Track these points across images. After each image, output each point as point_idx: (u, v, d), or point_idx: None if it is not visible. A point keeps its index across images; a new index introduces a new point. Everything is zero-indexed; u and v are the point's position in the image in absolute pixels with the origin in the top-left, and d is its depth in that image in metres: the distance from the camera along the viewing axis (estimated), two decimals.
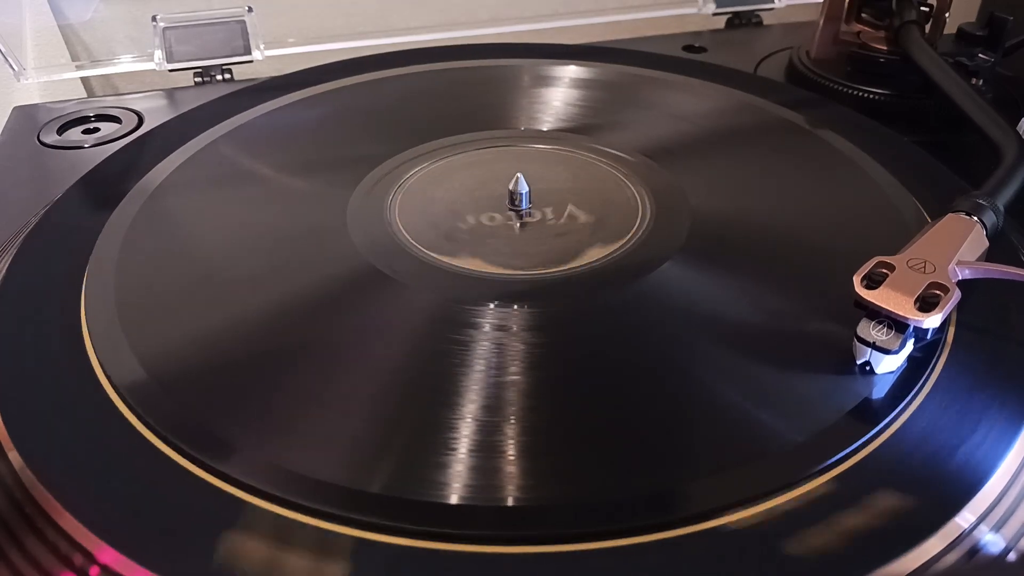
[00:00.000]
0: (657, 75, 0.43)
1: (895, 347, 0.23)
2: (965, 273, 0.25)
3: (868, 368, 0.24)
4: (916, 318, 0.23)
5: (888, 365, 0.24)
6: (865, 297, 0.24)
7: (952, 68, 0.38)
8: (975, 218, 0.27)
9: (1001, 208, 0.28)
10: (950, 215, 0.27)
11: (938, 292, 0.24)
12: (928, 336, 0.24)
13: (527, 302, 0.27)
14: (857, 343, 0.24)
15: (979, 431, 0.22)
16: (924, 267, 0.24)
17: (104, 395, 0.23)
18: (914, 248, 0.25)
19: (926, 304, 0.23)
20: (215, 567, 0.19)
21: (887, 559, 0.19)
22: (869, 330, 0.24)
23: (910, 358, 0.24)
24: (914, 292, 0.23)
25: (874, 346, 0.23)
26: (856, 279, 0.24)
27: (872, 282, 0.24)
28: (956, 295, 0.23)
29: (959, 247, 0.26)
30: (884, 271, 0.24)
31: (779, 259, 0.29)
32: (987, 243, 0.27)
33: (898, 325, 0.23)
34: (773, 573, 0.19)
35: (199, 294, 0.27)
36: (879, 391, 0.23)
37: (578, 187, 0.33)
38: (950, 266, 0.25)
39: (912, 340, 0.24)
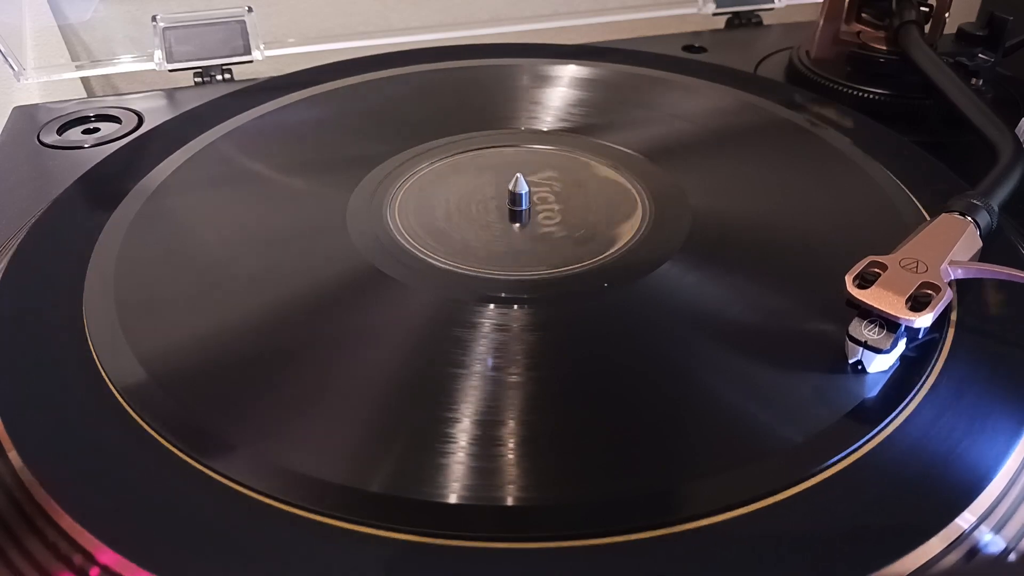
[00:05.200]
0: (657, 75, 0.43)
1: (886, 346, 0.23)
2: (958, 273, 0.25)
3: (860, 367, 0.24)
4: (907, 317, 0.23)
5: (880, 364, 0.24)
6: (857, 296, 0.24)
7: (951, 68, 0.38)
8: (969, 218, 0.27)
9: (995, 208, 0.28)
10: (944, 215, 0.28)
11: (930, 292, 0.24)
12: (920, 335, 0.24)
13: (527, 302, 0.27)
14: (849, 342, 0.24)
15: (979, 432, 0.22)
16: (916, 267, 0.24)
17: (104, 395, 0.23)
18: (907, 248, 0.26)
19: (917, 304, 0.23)
20: (215, 567, 0.19)
21: (887, 560, 0.19)
22: (861, 329, 0.24)
23: (909, 358, 0.24)
24: (906, 291, 0.24)
25: (866, 345, 0.23)
26: (848, 278, 0.24)
27: (864, 281, 0.24)
28: (948, 295, 0.24)
29: (952, 247, 0.26)
30: (876, 270, 0.24)
31: (779, 259, 0.29)
32: (980, 243, 0.27)
33: (889, 324, 0.23)
34: (772, 574, 0.19)
35: (199, 294, 0.27)
36: (879, 392, 0.23)
37: (578, 187, 0.33)
38: (942, 266, 0.25)
39: (904, 340, 0.24)
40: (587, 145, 0.36)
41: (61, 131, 0.42)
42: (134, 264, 0.29)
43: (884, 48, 0.43)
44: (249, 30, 0.49)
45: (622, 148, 0.36)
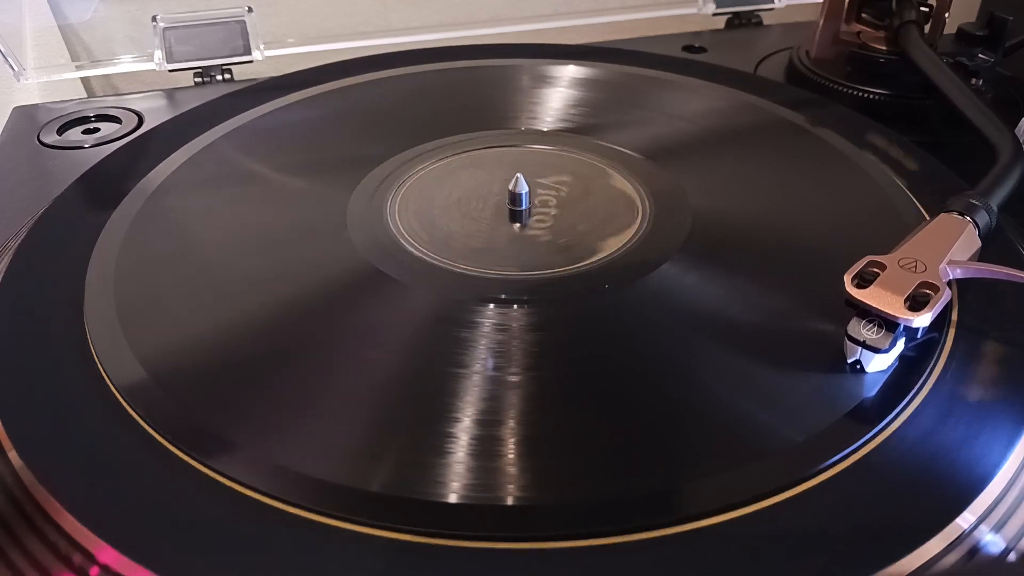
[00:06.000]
0: (657, 75, 0.43)
1: (885, 346, 0.23)
2: (956, 273, 0.25)
3: (859, 367, 0.24)
4: (906, 317, 0.23)
5: (878, 364, 0.24)
6: (855, 296, 0.24)
7: (951, 68, 0.38)
8: (968, 218, 0.27)
9: (995, 208, 0.28)
10: (943, 215, 0.28)
11: (928, 291, 0.24)
12: (919, 335, 0.24)
13: (527, 302, 0.27)
14: (848, 342, 0.24)
15: (979, 431, 0.22)
16: (915, 266, 0.24)
17: (104, 395, 0.23)
18: (906, 247, 0.26)
19: (916, 303, 0.23)
20: (214, 566, 0.19)
21: (887, 559, 0.19)
22: (859, 329, 0.24)
23: (908, 358, 0.24)
24: (904, 291, 0.24)
25: (864, 345, 0.23)
26: (847, 278, 0.24)
27: (863, 281, 0.24)
28: (946, 294, 0.24)
29: (951, 247, 0.26)
30: (875, 270, 0.24)
31: (779, 259, 0.29)
32: (979, 243, 0.27)
33: (888, 324, 0.23)
34: (772, 574, 0.19)
35: (199, 294, 0.27)
36: (880, 391, 0.23)
37: (578, 187, 0.33)
38: (941, 265, 0.25)
39: (903, 339, 0.24)
40: (587, 145, 0.36)
41: (61, 131, 0.42)
42: (134, 264, 0.29)
43: (884, 48, 0.43)
44: (249, 30, 0.49)
45: (622, 148, 0.36)
